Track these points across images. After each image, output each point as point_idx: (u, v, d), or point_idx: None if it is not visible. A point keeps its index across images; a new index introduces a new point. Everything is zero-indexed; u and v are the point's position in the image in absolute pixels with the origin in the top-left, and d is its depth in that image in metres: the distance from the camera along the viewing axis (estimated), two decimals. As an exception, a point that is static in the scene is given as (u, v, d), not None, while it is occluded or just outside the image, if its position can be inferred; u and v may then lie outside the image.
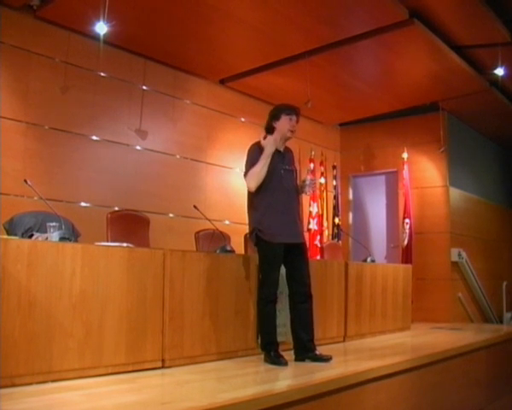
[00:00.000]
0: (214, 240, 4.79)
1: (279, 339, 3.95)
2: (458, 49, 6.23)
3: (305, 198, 7.49)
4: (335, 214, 8.24)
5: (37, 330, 2.92)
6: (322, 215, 7.98)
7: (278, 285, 3.88)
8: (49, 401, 2.60)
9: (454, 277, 7.90)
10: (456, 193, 8.13)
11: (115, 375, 3.22)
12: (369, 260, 5.95)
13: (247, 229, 4.03)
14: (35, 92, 5.20)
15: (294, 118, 3.96)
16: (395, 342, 5.24)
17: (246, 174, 3.87)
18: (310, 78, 6.39)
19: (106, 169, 5.73)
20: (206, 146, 6.81)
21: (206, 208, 5.97)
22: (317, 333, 4.29)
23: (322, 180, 8.15)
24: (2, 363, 2.73)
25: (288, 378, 3.46)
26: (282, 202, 3.87)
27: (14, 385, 2.79)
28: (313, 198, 7.77)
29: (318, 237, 7.74)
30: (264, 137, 3.95)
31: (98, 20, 4.93)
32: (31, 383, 2.86)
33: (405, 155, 8.05)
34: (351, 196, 8.94)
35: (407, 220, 7.84)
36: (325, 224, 8.06)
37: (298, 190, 4.07)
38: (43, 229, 3.71)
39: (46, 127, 5.28)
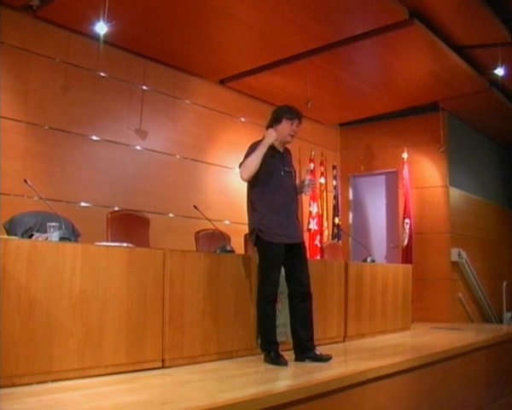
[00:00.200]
0: (214, 240, 4.79)
1: (279, 339, 3.95)
2: (458, 49, 6.23)
3: (305, 198, 7.50)
4: (335, 214, 8.24)
5: (37, 331, 2.91)
6: (322, 215, 7.99)
7: (278, 285, 3.89)
8: (49, 401, 2.60)
9: (454, 277, 7.90)
10: (456, 193, 8.13)
11: (115, 375, 3.22)
12: (369, 260, 5.94)
13: (247, 229, 4.03)
14: (35, 92, 5.20)
15: (296, 122, 3.94)
16: (395, 342, 5.24)
17: (240, 165, 3.88)
18: (310, 78, 6.39)
19: (106, 169, 5.73)
20: (206, 146, 6.81)
21: (206, 208, 5.97)
22: (317, 333, 4.29)
23: (322, 180, 8.15)
24: (2, 363, 2.73)
25: (287, 378, 3.46)
26: (282, 202, 3.88)
27: (13, 385, 2.79)
28: (313, 198, 7.78)
29: (318, 237, 7.74)
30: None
31: (98, 20, 4.93)
32: (31, 383, 2.86)
33: (405, 155, 8.06)
34: (351, 196, 8.94)
35: (407, 220, 7.84)
36: (325, 224, 8.06)
37: (297, 191, 4.08)
38: (43, 229, 3.71)
39: (46, 127, 5.28)
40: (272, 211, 3.84)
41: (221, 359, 3.88)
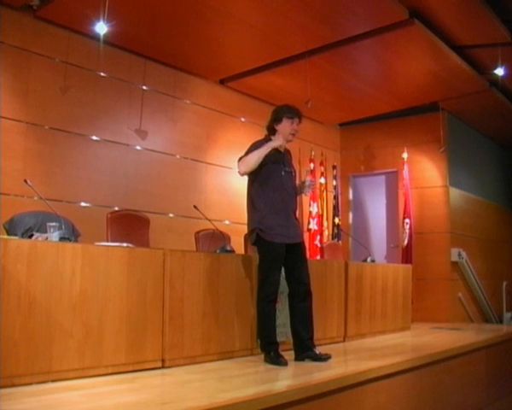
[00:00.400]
0: (214, 240, 4.79)
1: (279, 339, 3.95)
2: (458, 49, 6.23)
3: (305, 198, 7.50)
4: (335, 214, 8.24)
5: (37, 331, 2.91)
6: (322, 215, 7.98)
7: (279, 285, 3.89)
8: (48, 401, 2.60)
9: (454, 277, 7.90)
10: (456, 193, 8.13)
11: (115, 375, 3.22)
12: (369, 260, 5.94)
13: (247, 229, 4.03)
14: (35, 92, 5.20)
15: (296, 121, 3.96)
16: (395, 342, 5.24)
17: (241, 158, 3.88)
18: (310, 78, 6.39)
19: (106, 169, 5.73)
20: (206, 146, 6.81)
21: (206, 208, 5.97)
22: (317, 333, 4.29)
23: (322, 180, 8.15)
24: (2, 363, 2.73)
25: (287, 378, 3.46)
26: (282, 202, 3.89)
27: (13, 385, 2.79)
28: (313, 198, 7.78)
29: (318, 237, 7.74)
30: (268, 138, 3.97)
31: (98, 20, 4.93)
32: (30, 383, 2.86)
33: (405, 155, 8.06)
34: (351, 196, 8.94)
35: (407, 220, 7.84)
36: (325, 224, 8.06)
37: (297, 191, 4.09)
38: (43, 229, 3.71)
39: (46, 127, 5.28)
40: (272, 211, 3.85)
41: (221, 359, 3.88)
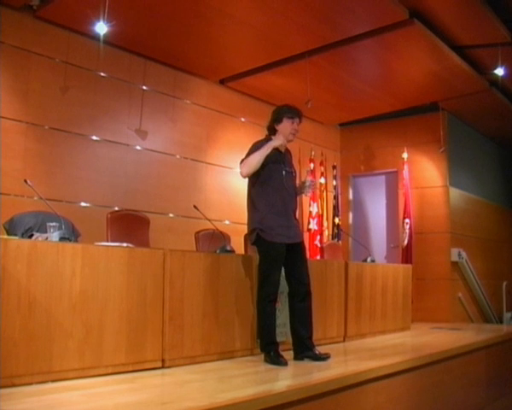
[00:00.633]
0: (214, 240, 4.79)
1: (279, 339, 3.96)
2: (458, 49, 6.23)
3: (304, 198, 7.51)
4: (335, 214, 8.25)
5: (37, 331, 2.91)
6: (322, 215, 7.99)
7: (279, 285, 3.89)
8: (48, 401, 2.60)
9: (454, 277, 7.90)
10: (456, 193, 8.13)
11: (115, 375, 3.22)
12: (369, 260, 5.94)
13: (247, 229, 4.03)
14: (35, 92, 5.20)
15: (297, 121, 3.96)
16: (395, 342, 5.24)
17: (242, 160, 3.88)
18: (310, 78, 6.39)
19: (106, 169, 5.73)
20: (206, 146, 6.81)
21: (206, 208, 5.98)
22: (317, 333, 4.30)
23: (322, 180, 8.15)
24: (2, 363, 2.73)
25: (287, 378, 3.46)
26: (283, 202, 3.89)
27: (13, 385, 2.79)
28: (313, 198, 7.78)
29: (318, 237, 7.74)
30: (268, 138, 3.98)
31: (98, 20, 4.93)
32: (31, 384, 2.86)
33: (405, 155, 8.06)
34: (351, 196, 8.94)
35: (407, 220, 7.84)
36: (325, 224, 8.07)
37: (297, 191, 4.09)
38: (43, 229, 3.71)
39: (46, 127, 5.28)
40: (273, 211, 3.85)
41: (221, 359, 3.88)
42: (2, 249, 2.81)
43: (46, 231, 3.38)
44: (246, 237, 5.36)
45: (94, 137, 5.66)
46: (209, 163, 6.80)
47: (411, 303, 6.46)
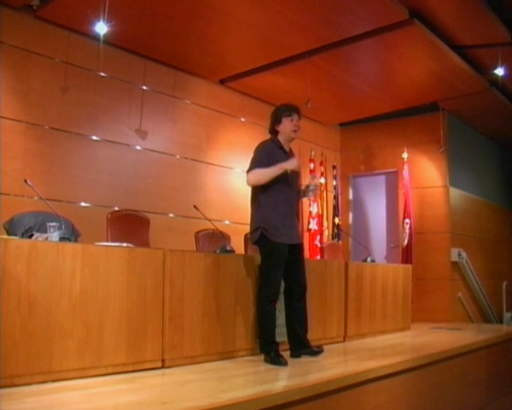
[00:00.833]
0: (214, 240, 4.79)
1: (279, 339, 3.96)
2: (458, 49, 6.23)
3: (305, 198, 7.49)
4: (335, 214, 8.24)
5: (37, 331, 2.91)
6: (322, 215, 7.98)
7: (280, 286, 3.90)
8: (49, 401, 2.60)
9: (454, 277, 7.90)
10: (456, 193, 8.13)
11: (115, 375, 3.22)
12: (369, 260, 5.94)
13: (247, 229, 4.04)
14: (35, 92, 5.20)
15: (296, 117, 3.97)
16: (395, 342, 5.24)
17: (250, 170, 3.87)
18: (310, 78, 6.39)
19: (106, 169, 5.73)
20: (206, 146, 6.81)
21: (206, 208, 5.98)
22: (317, 333, 4.30)
23: (323, 180, 8.15)
24: (2, 363, 2.73)
25: (287, 378, 3.46)
26: (286, 203, 3.92)
27: (14, 385, 2.79)
28: (313, 198, 7.77)
29: (318, 237, 7.74)
30: (273, 139, 3.99)
31: (98, 20, 4.93)
32: (31, 384, 2.86)
33: (405, 155, 8.06)
34: (351, 196, 8.94)
35: (407, 220, 7.84)
36: (325, 224, 8.06)
37: (300, 193, 4.10)
38: (43, 229, 3.71)
39: (46, 127, 5.28)
40: (277, 211, 3.87)
41: (221, 359, 3.88)
42: (2, 249, 2.81)
43: (46, 231, 3.38)
44: (246, 237, 5.36)
45: (94, 137, 5.66)
46: (209, 163, 6.80)
47: (411, 303, 6.46)
